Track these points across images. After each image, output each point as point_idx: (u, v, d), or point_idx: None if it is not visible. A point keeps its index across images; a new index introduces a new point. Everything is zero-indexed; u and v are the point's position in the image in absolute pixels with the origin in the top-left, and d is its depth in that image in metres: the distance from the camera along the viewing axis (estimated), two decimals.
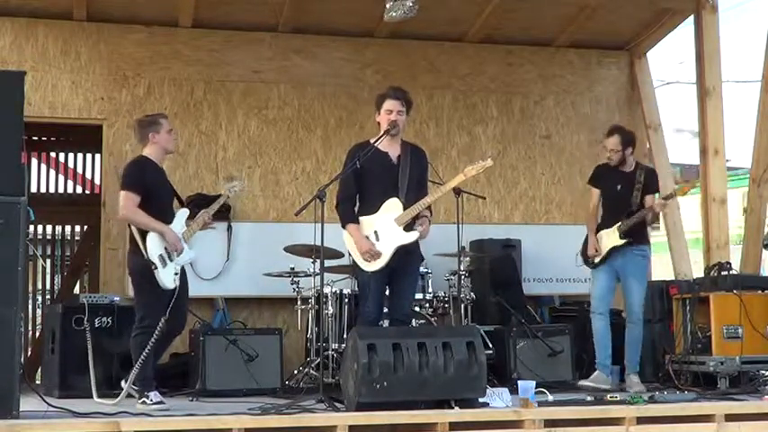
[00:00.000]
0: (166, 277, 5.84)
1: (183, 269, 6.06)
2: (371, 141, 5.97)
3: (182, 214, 6.14)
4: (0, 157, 4.99)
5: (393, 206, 5.80)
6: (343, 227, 5.88)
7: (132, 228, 5.92)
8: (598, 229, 6.95)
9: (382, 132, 5.88)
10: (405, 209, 5.79)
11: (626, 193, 6.86)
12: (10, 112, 5.06)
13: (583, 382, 6.74)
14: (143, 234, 5.86)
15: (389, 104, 5.89)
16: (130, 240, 5.98)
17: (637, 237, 6.82)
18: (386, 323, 6.34)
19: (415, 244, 5.89)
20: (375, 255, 5.76)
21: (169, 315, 5.81)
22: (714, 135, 8.23)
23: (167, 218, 5.99)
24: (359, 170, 5.81)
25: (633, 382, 6.67)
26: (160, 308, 5.81)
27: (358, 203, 5.96)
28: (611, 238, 6.84)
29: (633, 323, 6.81)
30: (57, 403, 5.44)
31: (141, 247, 5.83)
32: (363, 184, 5.90)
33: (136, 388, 5.77)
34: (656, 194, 7.05)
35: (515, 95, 9.47)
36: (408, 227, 5.79)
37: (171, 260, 5.89)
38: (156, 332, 5.75)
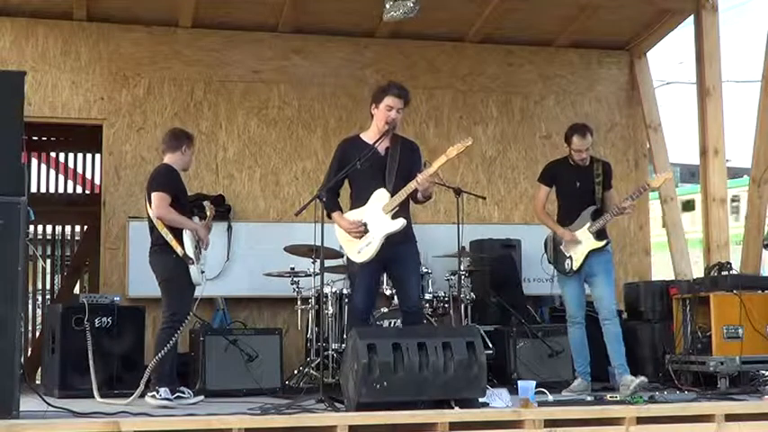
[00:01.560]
0: (196, 274, 6.15)
1: None
2: (360, 136, 5.96)
3: (197, 221, 6.41)
4: (0, 157, 4.99)
5: (380, 196, 5.78)
6: (330, 217, 5.88)
7: (161, 228, 6.15)
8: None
9: (382, 133, 5.86)
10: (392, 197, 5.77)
11: (586, 190, 6.73)
12: (10, 112, 5.06)
13: (565, 392, 6.59)
14: (175, 233, 6.13)
15: (392, 101, 5.85)
16: (157, 241, 6.21)
17: (604, 234, 6.75)
18: (387, 322, 6.36)
19: (409, 235, 5.86)
20: (360, 231, 5.73)
21: None
22: (714, 135, 8.22)
23: None
24: (346, 166, 5.80)
25: (628, 380, 6.41)
26: (189, 303, 6.15)
27: (352, 198, 5.95)
28: (585, 241, 6.66)
29: (610, 320, 6.63)
30: (57, 403, 5.44)
31: (175, 245, 6.10)
32: (353, 180, 5.90)
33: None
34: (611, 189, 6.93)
35: (515, 95, 9.47)
36: (396, 215, 5.76)
37: (199, 259, 6.18)
38: (182, 326, 6.03)
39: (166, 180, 6.21)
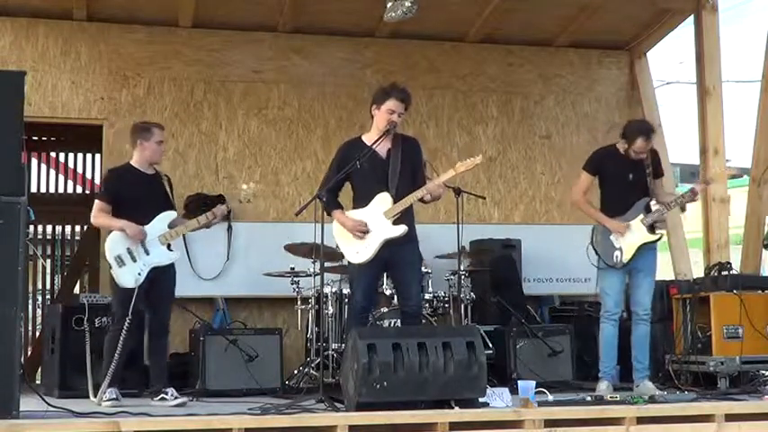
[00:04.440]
0: (124, 276, 6.07)
1: (168, 269, 6.23)
2: (362, 138, 5.94)
3: (164, 217, 6.27)
4: (0, 157, 4.99)
5: (383, 200, 5.78)
6: (330, 215, 5.86)
7: None
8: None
9: (381, 134, 5.84)
10: (395, 202, 5.77)
11: (639, 182, 6.49)
12: (10, 112, 5.05)
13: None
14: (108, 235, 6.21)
15: (393, 104, 5.83)
16: None
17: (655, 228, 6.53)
18: (387, 322, 6.32)
19: (411, 236, 5.85)
20: (364, 230, 5.72)
21: (148, 314, 6.14)
22: (714, 135, 8.23)
23: (142, 222, 6.16)
24: (346, 167, 5.80)
25: (649, 388, 6.29)
26: (124, 306, 6.03)
27: (353, 201, 5.94)
28: (636, 233, 6.40)
29: (643, 320, 6.45)
30: (57, 403, 5.43)
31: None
32: (354, 182, 5.90)
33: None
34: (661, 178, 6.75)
35: (515, 95, 9.47)
36: (397, 220, 5.76)
37: (135, 260, 6.10)
38: (124, 331, 5.95)
39: (102, 186, 6.38)
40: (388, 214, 5.75)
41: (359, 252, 5.77)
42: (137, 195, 6.21)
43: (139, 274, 6.07)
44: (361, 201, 5.87)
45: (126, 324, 5.96)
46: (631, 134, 6.48)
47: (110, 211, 6.19)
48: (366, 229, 5.74)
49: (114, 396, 5.95)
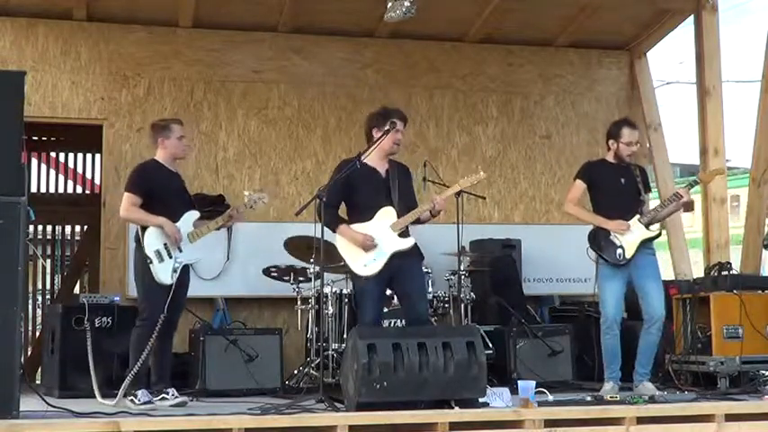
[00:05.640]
0: (163, 272, 6.04)
1: (186, 268, 6.21)
2: (361, 157, 5.94)
3: (189, 216, 6.27)
4: (0, 157, 4.99)
5: (388, 214, 5.83)
6: (334, 231, 5.87)
7: (138, 227, 6.16)
8: None
9: (387, 154, 5.94)
10: (398, 217, 5.82)
11: (631, 187, 6.54)
12: (10, 112, 5.06)
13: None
14: (144, 231, 6.11)
15: (398, 124, 5.95)
16: (136, 239, 6.20)
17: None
18: (387, 322, 6.29)
19: (415, 251, 5.90)
20: (373, 244, 5.75)
21: (166, 310, 5.99)
22: (714, 135, 8.23)
23: (172, 219, 6.15)
24: (349, 184, 5.85)
25: (648, 388, 6.30)
26: (158, 302, 5.97)
27: (350, 216, 5.97)
28: (636, 231, 6.41)
29: (657, 329, 6.41)
30: (57, 403, 5.44)
31: (142, 242, 6.08)
32: (355, 198, 5.93)
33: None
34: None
35: (515, 95, 9.47)
36: (403, 234, 5.82)
37: (170, 256, 6.08)
38: (154, 327, 5.90)
39: (133, 180, 6.22)
40: (395, 227, 5.80)
41: (367, 265, 5.78)
42: (166, 192, 6.22)
43: (174, 270, 6.07)
44: (362, 215, 5.88)
45: (159, 322, 5.91)
46: (615, 130, 6.62)
47: (140, 205, 6.14)
48: (375, 243, 5.77)
49: (148, 399, 5.87)
